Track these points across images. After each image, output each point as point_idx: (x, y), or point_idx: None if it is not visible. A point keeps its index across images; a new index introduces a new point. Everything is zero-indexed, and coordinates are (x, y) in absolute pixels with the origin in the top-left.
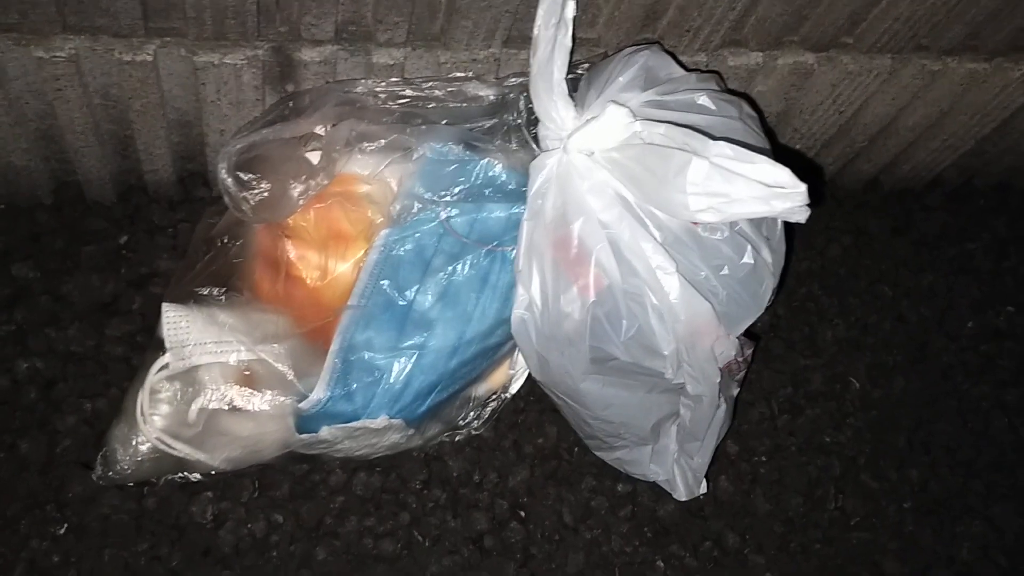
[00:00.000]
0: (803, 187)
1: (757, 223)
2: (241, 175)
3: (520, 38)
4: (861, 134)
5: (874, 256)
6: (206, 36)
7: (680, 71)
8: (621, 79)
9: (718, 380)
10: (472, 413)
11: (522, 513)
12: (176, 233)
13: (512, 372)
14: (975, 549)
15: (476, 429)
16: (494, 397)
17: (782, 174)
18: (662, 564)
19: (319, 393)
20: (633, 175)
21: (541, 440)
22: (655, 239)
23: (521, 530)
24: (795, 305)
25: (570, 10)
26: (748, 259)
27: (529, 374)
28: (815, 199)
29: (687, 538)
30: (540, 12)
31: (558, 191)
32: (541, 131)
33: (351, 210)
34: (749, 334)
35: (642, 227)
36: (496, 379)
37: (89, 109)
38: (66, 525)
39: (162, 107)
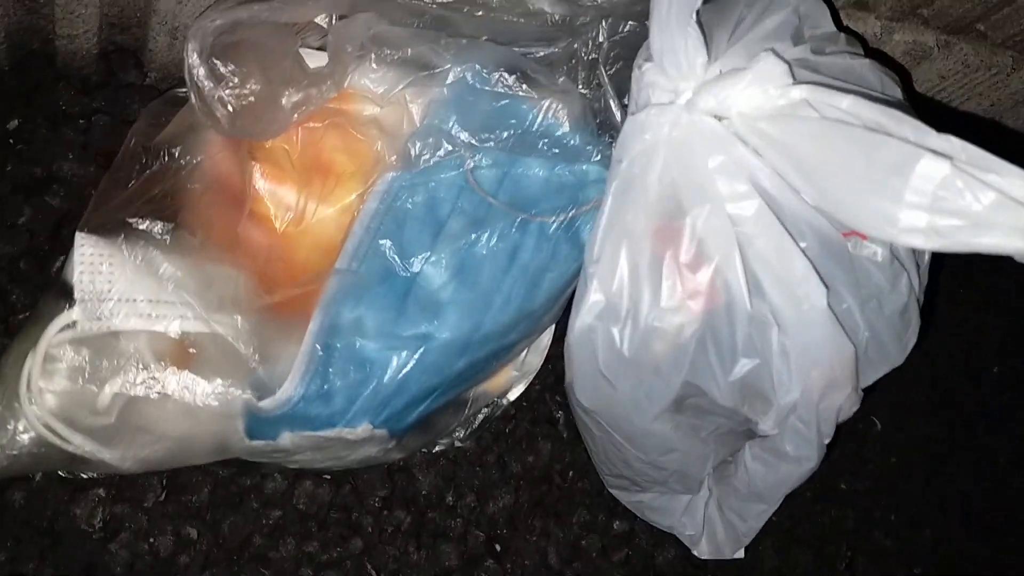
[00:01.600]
0: None
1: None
2: (218, 64)
3: None
4: None
5: None
6: None
7: (832, 25)
8: (768, 22)
9: (826, 443)
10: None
11: (499, 547)
12: (89, 127)
13: (515, 375)
14: None
15: (460, 440)
16: (488, 403)
17: None
18: None
19: (290, 390)
20: (798, 160)
21: (531, 458)
22: (803, 252)
23: (497, 570)
24: None
25: None
26: (902, 292)
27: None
28: None
29: None
30: None
31: (671, 162)
32: (646, 76)
33: (352, 137)
34: None
35: (787, 233)
36: (495, 382)
37: None
38: None
39: None
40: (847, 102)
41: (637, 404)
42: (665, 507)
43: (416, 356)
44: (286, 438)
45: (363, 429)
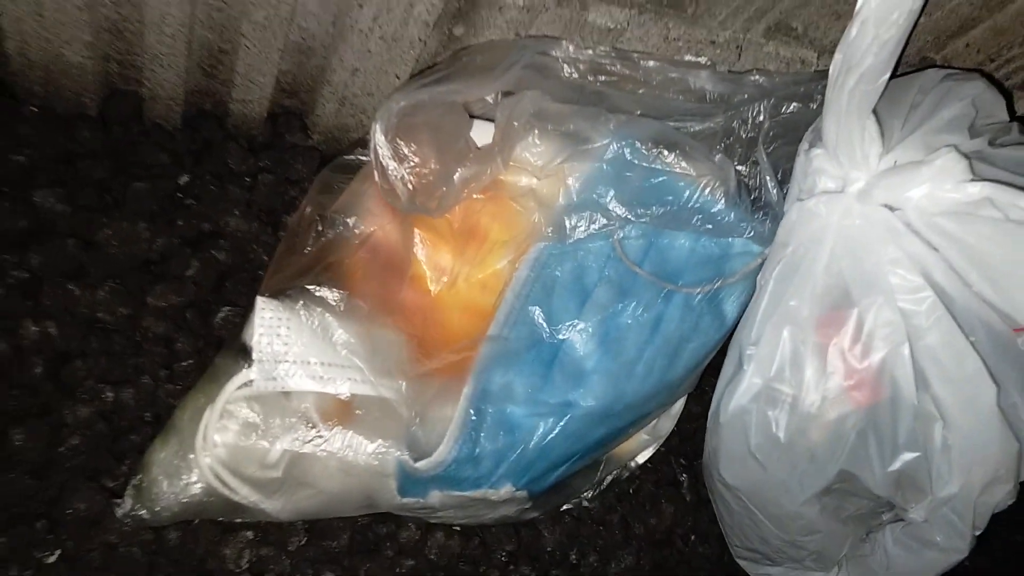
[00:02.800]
0: None
1: None
2: (402, 144)
3: (787, 28)
4: None
5: None
6: None
7: (1007, 115)
8: (944, 113)
9: (977, 534)
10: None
11: None
12: (254, 185)
13: (646, 439)
14: None
15: (588, 501)
16: (619, 467)
17: None
18: None
19: (444, 452)
20: (978, 257)
21: (654, 520)
22: (973, 347)
23: None
24: None
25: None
26: None
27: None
28: None
29: None
30: None
31: (840, 252)
32: (814, 162)
33: (508, 207)
34: None
35: (959, 328)
36: (626, 446)
37: (191, 5)
38: (59, 551)
39: (288, 21)
40: None
41: (788, 488)
42: None
43: (561, 424)
44: (435, 497)
45: (506, 491)
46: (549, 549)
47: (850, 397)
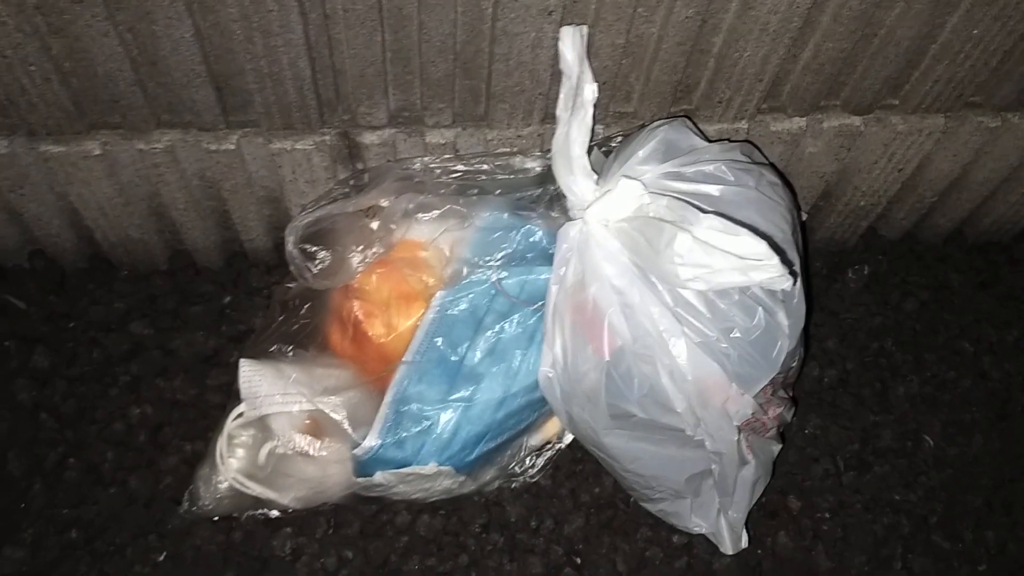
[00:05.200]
0: (776, 259)
1: None
2: (306, 247)
3: (551, 118)
4: (929, 190)
5: (955, 311)
6: (277, 127)
7: (701, 143)
8: (640, 152)
9: (734, 438)
10: (527, 461)
11: (577, 560)
12: (270, 294)
13: None
14: None
15: (532, 477)
16: (548, 446)
17: (759, 247)
18: None
19: (371, 440)
20: (638, 245)
21: (598, 490)
22: (664, 303)
23: None
24: (867, 360)
25: (588, 93)
26: (759, 321)
27: None
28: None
29: None
30: (560, 96)
31: (578, 258)
32: (567, 202)
33: (410, 274)
34: (790, 396)
35: (652, 292)
36: (550, 429)
37: (188, 190)
38: (165, 553)
39: (250, 186)
40: (665, 201)
41: (589, 424)
42: (678, 512)
43: (463, 412)
44: (379, 475)
45: (431, 466)
46: (513, 519)
47: (597, 352)
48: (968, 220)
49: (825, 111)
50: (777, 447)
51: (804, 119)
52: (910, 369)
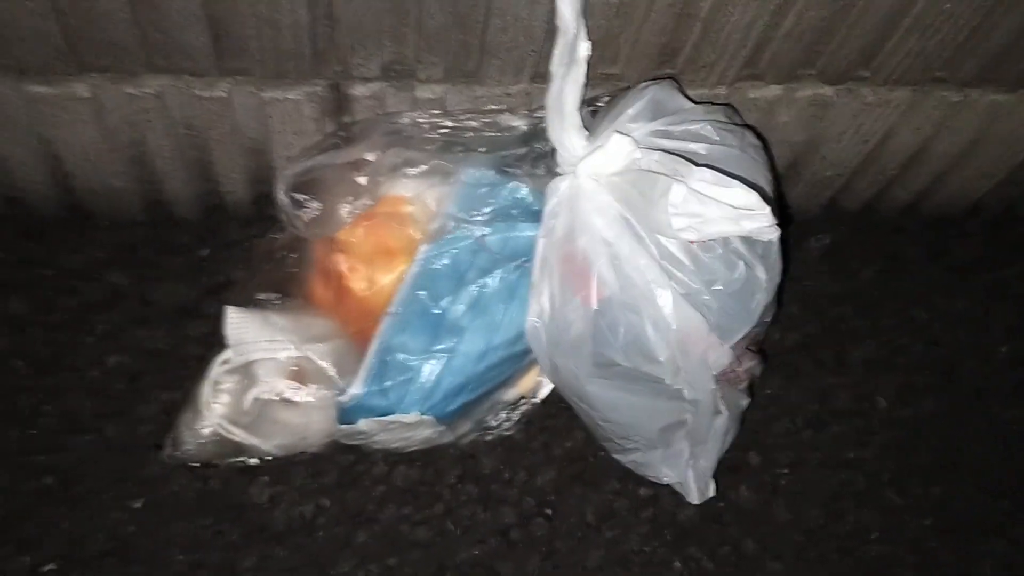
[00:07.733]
0: (767, 209)
1: (752, 242)
2: (296, 196)
3: (547, 75)
4: (891, 162)
5: (909, 280)
6: (270, 75)
7: (688, 104)
8: (630, 111)
9: (712, 387)
10: (503, 415)
11: (548, 510)
12: (249, 247)
13: (541, 378)
14: (998, 569)
15: (507, 431)
16: (523, 401)
17: (751, 198)
18: (680, 565)
19: (356, 388)
20: (630, 198)
21: (569, 444)
22: (651, 255)
23: (546, 526)
24: (826, 325)
25: (583, 50)
26: (740, 274)
27: None
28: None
29: (706, 542)
30: (555, 52)
31: (568, 211)
32: (557, 157)
33: (396, 228)
34: (759, 351)
35: (640, 244)
36: (525, 384)
37: (174, 137)
38: (143, 500)
39: (236, 136)
40: (657, 156)
41: (573, 373)
42: (649, 462)
43: (445, 362)
44: (362, 423)
45: (413, 415)
46: (487, 471)
47: (584, 302)
48: (924, 193)
49: (801, 80)
50: (746, 401)
51: (781, 87)
52: (866, 334)
